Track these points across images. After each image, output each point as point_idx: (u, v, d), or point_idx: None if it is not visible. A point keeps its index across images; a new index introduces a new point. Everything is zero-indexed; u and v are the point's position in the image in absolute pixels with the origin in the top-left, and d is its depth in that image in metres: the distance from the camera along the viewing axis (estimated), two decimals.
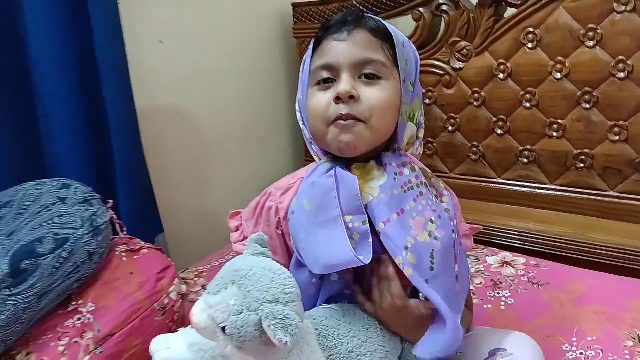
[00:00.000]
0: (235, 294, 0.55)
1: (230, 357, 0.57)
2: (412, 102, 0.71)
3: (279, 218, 0.73)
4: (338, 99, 0.65)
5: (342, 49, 0.66)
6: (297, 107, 0.77)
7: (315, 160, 0.76)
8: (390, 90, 0.67)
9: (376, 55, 0.66)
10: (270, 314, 0.54)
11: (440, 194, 0.73)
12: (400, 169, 0.68)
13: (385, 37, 0.68)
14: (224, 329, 0.55)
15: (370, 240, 0.64)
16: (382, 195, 0.66)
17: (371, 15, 0.70)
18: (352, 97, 0.64)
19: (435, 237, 0.66)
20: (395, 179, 0.67)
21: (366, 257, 0.63)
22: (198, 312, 0.57)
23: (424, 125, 0.75)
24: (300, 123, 0.75)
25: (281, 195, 0.74)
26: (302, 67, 0.74)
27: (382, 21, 0.70)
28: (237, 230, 0.79)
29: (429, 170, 0.74)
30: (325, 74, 0.67)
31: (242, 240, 0.77)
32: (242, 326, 0.54)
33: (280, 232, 0.73)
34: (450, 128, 1.39)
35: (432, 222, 0.67)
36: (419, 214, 0.66)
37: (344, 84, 0.65)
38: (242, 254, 0.74)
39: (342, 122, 0.65)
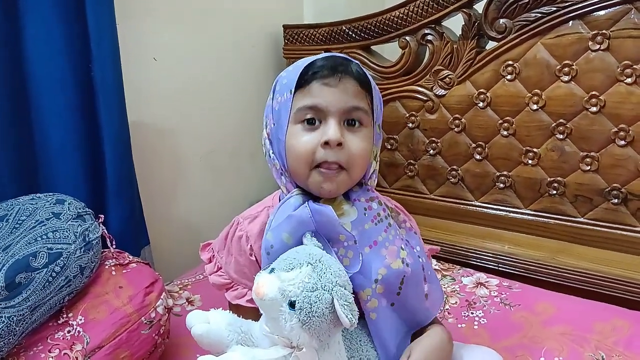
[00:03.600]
0: (310, 273, 0.59)
1: (291, 333, 0.59)
2: (379, 143, 0.76)
3: (250, 245, 0.74)
4: (326, 144, 0.67)
5: (332, 94, 0.68)
6: (264, 137, 0.76)
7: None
8: (369, 137, 0.71)
9: (361, 103, 0.69)
10: (342, 295, 0.58)
11: (403, 221, 0.77)
12: (369, 203, 0.72)
13: (367, 87, 0.71)
14: (292, 303, 0.57)
15: (361, 258, 0.68)
16: (353, 232, 0.69)
17: (353, 60, 0.73)
18: (339, 144, 0.67)
19: (407, 264, 0.70)
20: (365, 213, 0.71)
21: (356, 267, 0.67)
22: (268, 284, 0.58)
23: (378, 158, 0.78)
24: (270, 153, 0.74)
25: (249, 223, 0.76)
26: (271, 94, 0.74)
27: (361, 66, 0.73)
28: (210, 261, 0.80)
29: (390, 205, 0.78)
30: (311, 114, 0.68)
31: (216, 271, 0.78)
32: (315, 302, 0.57)
33: (254, 259, 0.74)
34: (431, 151, 1.42)
35: (402, 249, 0.71)
36: (391, 243, 0.71)
37: (334, 131, 0.67)
38: (219, 285, 0.77)
39: (325, 170, 0.68)
